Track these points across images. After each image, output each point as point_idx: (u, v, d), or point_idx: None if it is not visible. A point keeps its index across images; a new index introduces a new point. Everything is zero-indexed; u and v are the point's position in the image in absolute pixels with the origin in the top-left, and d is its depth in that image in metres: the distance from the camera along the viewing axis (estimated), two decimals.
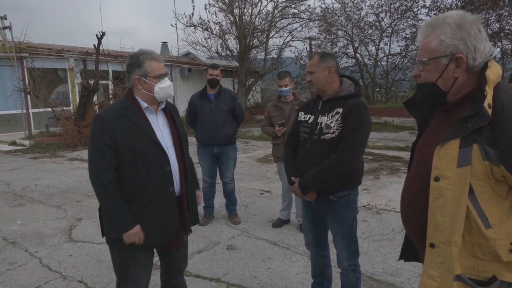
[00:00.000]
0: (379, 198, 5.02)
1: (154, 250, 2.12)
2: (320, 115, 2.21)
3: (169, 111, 2.08)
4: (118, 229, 1.88)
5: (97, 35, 10.65)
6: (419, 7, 16.73)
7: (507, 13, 13.06)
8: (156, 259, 2.22)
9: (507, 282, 1.12)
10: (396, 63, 19.23)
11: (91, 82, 10.72)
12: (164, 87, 1.94)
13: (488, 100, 1.09)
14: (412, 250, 1.45)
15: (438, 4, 14.93)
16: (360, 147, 2.14)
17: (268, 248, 3.58)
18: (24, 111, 12.34)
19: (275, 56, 18.26)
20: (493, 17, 12.87)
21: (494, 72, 1.16)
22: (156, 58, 1.94)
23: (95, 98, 11.56)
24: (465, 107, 1.17)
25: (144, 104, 1.96)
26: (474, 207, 1.12)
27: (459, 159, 1.12)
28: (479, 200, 1.12)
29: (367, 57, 19.77)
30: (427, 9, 15.58)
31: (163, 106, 2.04)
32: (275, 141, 4.04)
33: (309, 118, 2.26)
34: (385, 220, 4.21)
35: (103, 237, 2.02)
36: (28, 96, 11.94)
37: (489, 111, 1.08)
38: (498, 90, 1.14)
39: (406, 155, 7.75)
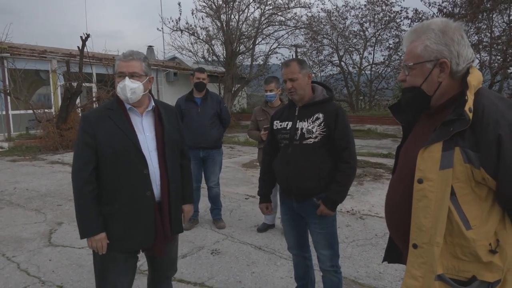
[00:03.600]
0: (363, 203, 5.09)
1: (140, 253, 2.09)
2: (298, 121, 2.26)
3: (159, 113, 2.02)
4: (82, 231, 1.88)
5: (81, 37, 10.51)
6: (402, 18, 17.21)
7: (485, 26, 13.54)
8: (139, 263, 2.19)
9: (487, 282, 1.16)
10: (380, 72, 19.63)
11: (74, 84, 10.54)
12: (120, 87, 1.88)
13: (469, 104, 1.13)
14: (396, 252, 1.47)
15: (420, 15, 15.37)
16: (354, 147, 2.27)
17: (253, 252, 3.57)
18: (4, 112, 12.02)
19: (261, 62, 18.37)
20: (472, 30, 13.30)
21: (475, 78, 1.20)
22: (121, 58, 1.90)
23: (78, 100, 11.36)
24: (448, 112, 1.20)
25: (127, 105, 1.94)
26: (455, 209, 1.16)
27: (442, 162, 1.15)
28: (460, 202, 1.16)
29: (352, 65, 20.13)
30: (410, 20, 16.04)
31: (150, 108, 1.99)
32: (260, 145, 4.05)
33: (287, 124, 2.31)
34: (369, 225, 4.26)
35: (81, 238, 1.96)
36: (8, 97, 11.64)
37: (470, 115, 1.12)
38: (479, 95, 1.18)
39: (389, 162, 7.89)
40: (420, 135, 1.31)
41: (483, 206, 1.17)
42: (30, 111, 11.13)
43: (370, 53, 19.48)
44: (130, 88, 1.86)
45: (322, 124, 2.19)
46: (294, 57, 18.49)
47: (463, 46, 1.21)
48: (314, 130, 2.19)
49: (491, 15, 13.13)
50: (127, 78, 1.87)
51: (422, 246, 1.19)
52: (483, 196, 1.16)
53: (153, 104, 2.02)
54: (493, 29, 13.53)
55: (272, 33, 17.60)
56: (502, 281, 1.16)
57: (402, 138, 1.48)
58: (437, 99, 1.27)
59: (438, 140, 1.16)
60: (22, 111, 11.81)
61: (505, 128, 1.09)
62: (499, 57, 13.51)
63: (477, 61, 13.94)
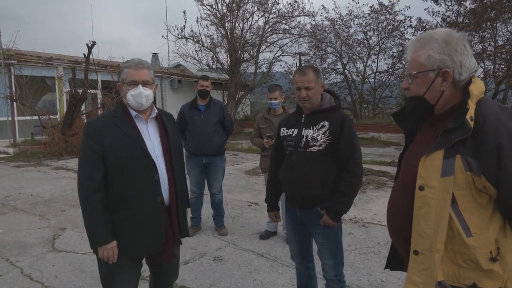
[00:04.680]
0: (366, 211, 5.07)
1: (144, 260, 2.10)
2: (304, 128, 2.26)
3: (161, 120, 2.06)
4: (93, 241, 1.88)
5: (87, 44, 10.64)
6: (406, 27, 17.25)
7: (489, 35, 13.56)
8: (142, 269, 2.20)
9: None
10: (383, 80, 19.64)
11: (80, 91, 10.64)
12: (134, 94, 1.90)
13: (470, 113, 1.15)
14: (398, 259, 1.48)
15: (424, 24, 15.42)
16: (360, 156, 2.25)
17: (255, 259, 3.57)
18: (10, 118, 12.14)
19: (265, 70, 18.47)
20: (476, 39, 13.32)
21: (477, 88, 1.22)
22: (132, 66, 1.93)
23: (83, 107, 11.47)
24: (450, 120, 1.22)
25: (133, 112, 1.96)
26: (456, 216, 1.16)
27: (443, 169, 1.16)
28: (461, 209, 1.17)
29: (355, 73, 20.14)
30: (413, 29, 16.08)
31: (154, 115, 2.02)
32: (263, 152, 4.08)
33: (293, 131, 2.31)
34: (371, 233, 4.25)
35: (91, 248, 1.97)
36: (15, 103, 11.77)
37: (471, 123, 1.13)
38: (480, 104, 1.19)
39: (393, 170, 7.86)
40: (422, 142, 1.32)
41: (484, 213, 1.17)
42: (36, 117, 11.25)
43: (373, 61, 19.53)
44: (145, 95, 1.91)
45: (327, 132, 2.18)
46: (298, 65, 18.61)
47: (466, 56, 1.22)
48: (319, 138, 2.19)
49: (495, 24, 13.15)
50: (140, 85, 1.90)
51: (423, 253, 1.20)
52: (484, 204, 1.17)
53: (156, 111, 2.05)
54: (497, 38, 13.55)
55: (276, 41, 17.75)
56: None
57: (404, 146, 1.49)
58: (439, 108, 1.28)
59: (440, 148, 1.18)
60: (28, 117, 11.94)
61: (506, 136, 1.10)
62: (503, 66, 13.50)
63: (481, 70, 13.97)
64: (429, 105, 1.28)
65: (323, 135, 2.18)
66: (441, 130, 1.22)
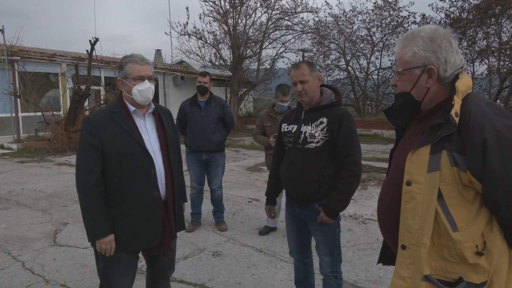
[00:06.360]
0: (366, 208, 5.08)
1: (139, 254, 2.13)
2: (303, 125, 2.26)
3: (159, 115, 2.09)
4: (91, 234, 1.91)
5: (90, 40, 10.67)
6: (410, 23, 17.16)
7: (493, 31, 13.45)
8: (141, 264, 2.23)
9: (473, 283, 1.17)
10: (387, 76, 19.55)
11: (83, 87, 10.69)
12: (141, 89, 1.93)
13: (456, 109, 1.16)
14: (390, 254, 1.49)
15: (428, 21, 15.32)
16: (359, 155, 2.22)
17: (254, 255, 3.59)
18: (13, 114, 12.23)
19: (268, 66, 18.44)
20: (480, 35, 13.23)
21: (463, 83, 1.23)
22: (137, 61, 1.95)
23: (86, 103, 11.52)
24: (437, 116, 1.23)
25: (132, 108, 1.99)
26: (442, 211, 1.18)
27: (429, 165, 1.17)
28: (447, 204, 1.18)
29: (359, 70, 20.11)
30: (417, 25, 15.99)
31: (151, 110, 2.05)
32: (268, 151, 4.06)
33: (292, 128, 2.32)
34: (371, 229, 4.26)
35: (89, 241, 2.00)
36: (18, 99, 11.85)
37: (456, 119, 1.14)
38: (467, 100, 1.20)
39: None
40: (410, 138, 1.34)
41: (470, 208, 1.18)
42: (39, 114, 11.33)
43: (377, 58, 19.49)
44: (152, 90, 1.96)
45: (325, 129, 2.17)
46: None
47: (450, 53, 1.23)
48: (316, 134, 2.18)
49: (499, 20, 13.05)
50: (146, 80, 1.94)
51: (410, 247, 1.21)
52: (470, 199, 1.18)
53: (153, 106, 2.07)
54: (502, 35, 13.44)
55: (279, 37, 17.71)
56: (489, 283, 1.18)
57: (395, 142, 1.50)
58: (426, 104, 1.29)
59: (426, 143, 1.19)
60: (32, 113, 12.01)
61: (491, 132, 1.10)
62: (508, 63, 13.40)
63: (485, 66, 13.87)
64: (416, 101, 1.29)
65: (321, 132, 2.17)
66: (429, 126, 1.23)
